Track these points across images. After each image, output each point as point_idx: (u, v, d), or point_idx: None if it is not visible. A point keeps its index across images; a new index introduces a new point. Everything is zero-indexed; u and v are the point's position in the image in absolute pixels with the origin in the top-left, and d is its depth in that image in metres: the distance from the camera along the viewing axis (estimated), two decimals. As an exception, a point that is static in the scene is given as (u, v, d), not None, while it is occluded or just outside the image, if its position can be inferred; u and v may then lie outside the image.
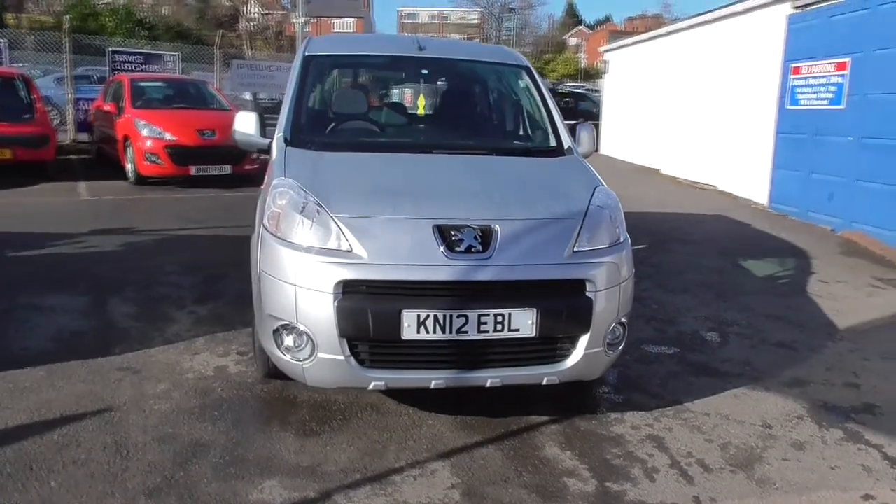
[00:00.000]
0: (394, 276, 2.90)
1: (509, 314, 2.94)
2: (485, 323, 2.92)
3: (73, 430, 3.09)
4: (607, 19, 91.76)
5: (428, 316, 2.88)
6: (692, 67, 12.67)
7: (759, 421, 3.46)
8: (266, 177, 3.73)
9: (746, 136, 10.62)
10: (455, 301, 2.91)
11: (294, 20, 13.94)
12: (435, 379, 2.99)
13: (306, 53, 4.34)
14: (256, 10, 47.67)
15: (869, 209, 8.01)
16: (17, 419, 3.17)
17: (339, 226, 3.00)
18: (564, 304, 3.03)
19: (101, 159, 11.80)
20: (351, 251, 2.94)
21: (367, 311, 2.87)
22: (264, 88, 14.74)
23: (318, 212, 3.06)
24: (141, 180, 9.91)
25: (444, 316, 2.89)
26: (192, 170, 9.82)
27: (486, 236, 3.01)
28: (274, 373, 3.48)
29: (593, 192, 3.45)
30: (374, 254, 2.92)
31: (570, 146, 4.05)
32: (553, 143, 4.10)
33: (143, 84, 11.50)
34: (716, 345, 4.51)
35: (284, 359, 3.06)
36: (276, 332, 3.04)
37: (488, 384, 3.05)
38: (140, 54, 14.26)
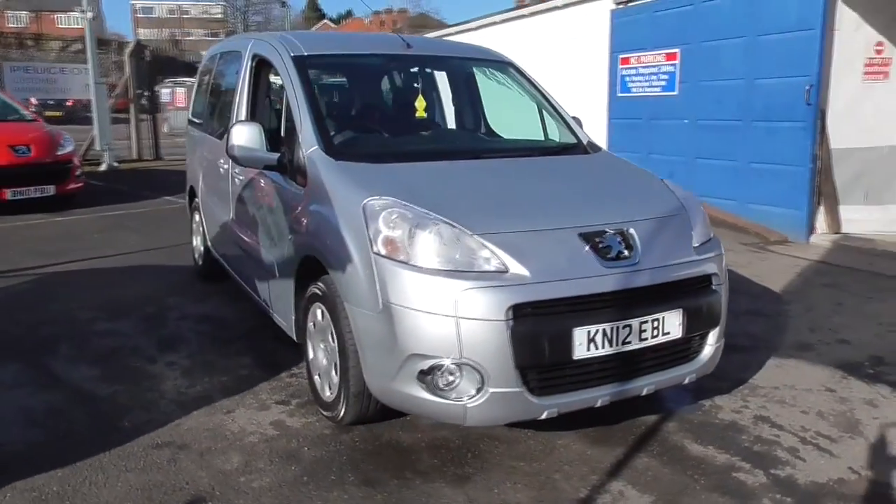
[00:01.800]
0: (562, 293, 2.68)
1: (662, 318, 2.87)
2: (644, 330, 2.82)
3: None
4: (349, 13, 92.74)
5: (597, 331, 2.71)
6: (528, 57, 13.19)
7: (820, 386, 3.74)
8: (305, 199, 3.26)
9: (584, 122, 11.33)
10: (618, 311, 2.77)
11: (81, 13, 12.12)
12: (601, 396, 2.83)
13: (293, 54, 3.81)
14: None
15: (709, 183, 9.00)
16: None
17: (485, 245, 2.70)
18: (703, 301, 3.02)
19: None
20: (508, 271, 2.66)
21: (543, 335, 2.63)
22: (47, 93, 12.70)
23: (454, 231, 2.72)
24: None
25: (612, 328, 2.74)
26: (8, 193, 8.20)
27: (625, 240, 2.90)
28: (365, 418, 3.09)
29: (666, 184, 3.49)
30: (537, 272, 2.67)
31: (589, 141, 4.04)
32: (573, 139, 4.06)
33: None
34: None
35: (435, 401, 2.69)
36: (425, 372, 2.65)
37: (644, 392, 2.96)
38: None
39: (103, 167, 12.67)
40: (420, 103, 4.10)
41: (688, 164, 9.33)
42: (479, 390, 2.63)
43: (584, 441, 3.11)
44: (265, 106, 4.37)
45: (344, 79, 4.34)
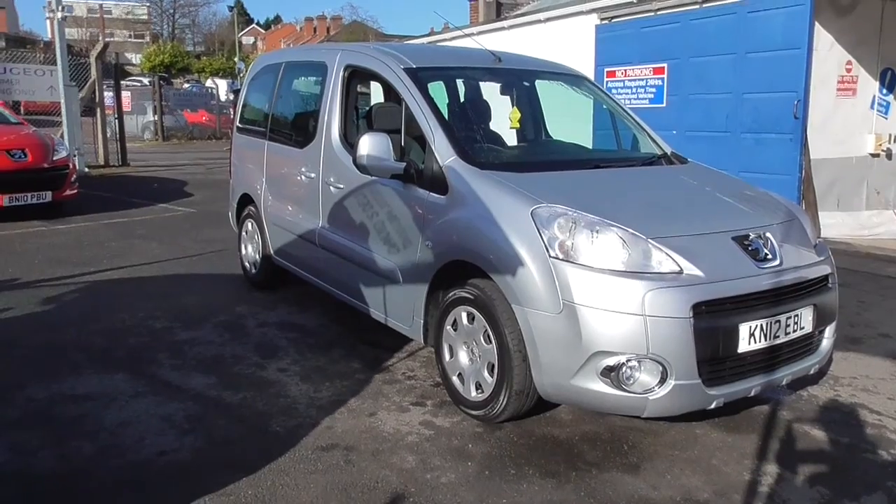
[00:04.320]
0: (732, 291, 2.94)
1: (801, 313, 3.16)
2: (788, 325, 3.11)
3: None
4: (278, 19, 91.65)
5: (756, 326, 2.98)
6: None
7: (890, 375, 4.13)
8: (448, 206, 3.41)
9: (571, 132, 11.73)
10: (771, 308, 3.04)
11: (49, 15, 11.68)
12: (754, 386, 3.09)
13: (404, 66, 3.95)
14: None
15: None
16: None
17: (659, 248, 2.93)
18: (825, 298, 3.34)
19: None
20: (683, 272, 2.90)
21: (719, 330, 2.88)
22: (8, 94, 12.11)
23: (631, 235, 2.94)
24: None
25: (767, 324, 3.01)
26: (4, 200, 7.89)
27: (765, 243, 3.18)
28: (518, 415, 3.28)
29: (768, 193, 3.81)
30: (709, 272, 2.92)
31: (672, 151, 4.34)
32: (660, 150, 4.34)
33: None
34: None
35: (617, 395, 2.89)
36: (611, 368, 2.86)
37: (784, 382, 3.25)
38: None
39: (73, 174, 12.22)
40: (515, 115, 4.30)
41: (675, 172, 9.84)
42: (661, 383, 2.85)
43: (719, 430, 3.37)
44: (355, 115, 4.49)
45: (447, 90, 4.48)
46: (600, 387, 2.90)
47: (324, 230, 4.47)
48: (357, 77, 4.43)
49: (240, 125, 5.88)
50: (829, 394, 3.83)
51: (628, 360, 2.84)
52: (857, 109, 9.02)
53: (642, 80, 10.32)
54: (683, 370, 2.84)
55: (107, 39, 15.31)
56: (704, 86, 9.35)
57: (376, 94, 7.03)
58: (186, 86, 34.99)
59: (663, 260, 2.91)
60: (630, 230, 2.96)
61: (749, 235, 3.15)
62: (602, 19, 11.01)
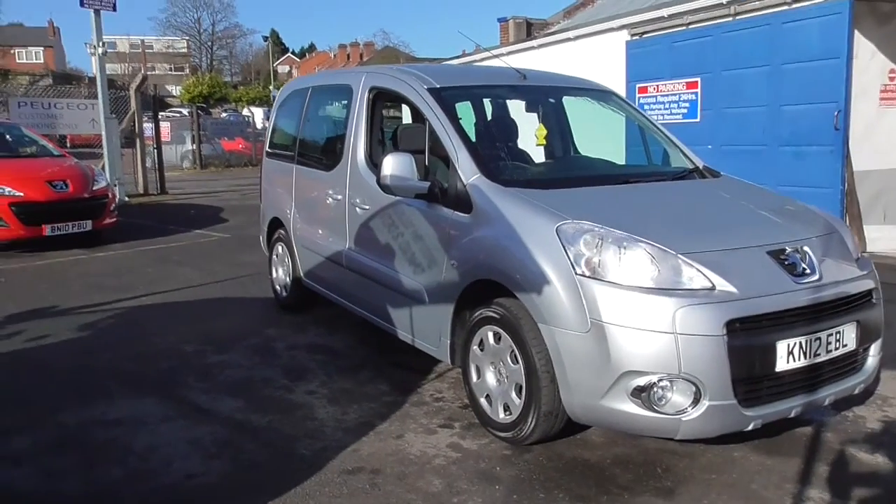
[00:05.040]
0: (768, 308, 2.82)
1: (843, 330, 3.03)
2: (829, 342, 2.98)
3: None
4: (312, 47, 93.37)
5: (795, 344, 2.86)
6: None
7: (942, 393, 3.95)
8: (473, 225, 3.37)
9: (602, 148, 11.64)
10: (810, 325, 2.92)
11: (91, 52, 12.05)
12: (794, 407, 2.96)
13: (428, 87, 3.94)
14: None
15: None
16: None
17: (690, 263, 2.84)
18: (869, 314, 3.20)
19: None
20: (715, 288, 2.80)
21: (754, 348, 2.77)
22: (52, 128, 12.53)
23: (660, 251, 2.86)
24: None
25: (807, 341, 2.89)
26: (47, 229, 8.08)
27: (803, 257, 3.06)
28: (548, 437, 3.20)
29: (806, 206, 3.68)
30: (743, 288, 2.81)
31: (704, 165, 4.23)
32: (691, 163, 4.24)
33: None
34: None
35: (648, 416, 2.79)
36: (641, 388, 2.76)
37: (826, 402, 3.11)
38: None
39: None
40: (541, 132, 4.25)
41: (711, 188, 9.65)
42: (694, 404, 2.75)
43: (758, 452, 3.23)
44: (381, 137, 4.49)
45: (473, 109, 4.46)
46: (631, 408, 2.81)
47: (350, 251, 4.46)
48: (382, 99, 4.43)
49: (269, 150, 5.94)
50: (876, 414, 3.66)
51: (659, 380, 2.74)
52: (903, 119, 8.74)
53: (675, 94, 10.20)
54: (718, 390, 2.73)
55: (147, 72, 15.73)
56: (739, 99, 9.19)
57: (407, 117, 7.07)
58: (224, 115, 35.75)
59: (694, 276, 2.81)
60: (659, 245, 2.87)
61: (785, 249, 3.04)
62: (633, 35, 10.93)
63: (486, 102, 4.43)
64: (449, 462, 3.16)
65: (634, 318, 2.75)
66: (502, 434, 3.31)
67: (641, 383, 2.76)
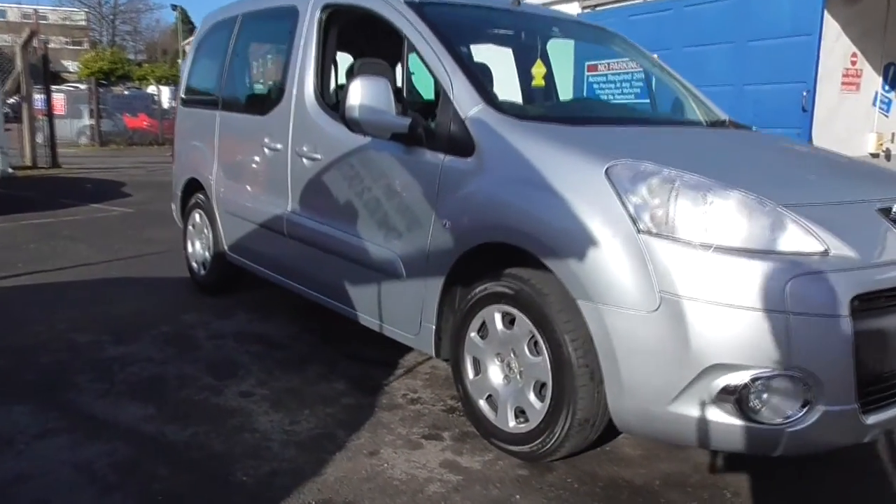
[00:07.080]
0: (896, 278, 2.09)
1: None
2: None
3: None
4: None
5: (925, 327, 2.14)
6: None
7: None
8: (476, 171, 2.53)
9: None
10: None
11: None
12: (910, 412, 2.25)
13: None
14: None
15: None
16: None
17: (796, 220, 2.07)
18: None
19: None
20: (829, 252, 2.05)
21: (886, 335, 2.04)
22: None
23: (759, 202, 2.08)
24: None
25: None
26: None
27: (911, 217, 2.37)
28: (576, 452, 2.42)
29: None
30: (865, 253, 2.08)
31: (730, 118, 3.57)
32: (719, 114, 3.56)
33: None
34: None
35: (737, 425, 2.02)
36: (730, 389, 1.98)
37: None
38: None
39: (-4, 174, 10.94)
40: (539, 69, 3.44)
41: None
42: (806, 408, 1.99)
43: (833, 469, 2.52)
44: (334, 70, 3.57)
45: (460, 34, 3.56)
46: (715, 415, 2.03)
47: (294, 215, 3.51)
48: (338, 20, 3.50)
49: (184, 97, 4.86)
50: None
51: (760, 377, 1.97)
52: (860, 105, 8.44)
53: (628, 73, 9.61)
54: (838, 391, 1.98)
55: (39, 34, 13.75)
56: (701, 78, 8.64)
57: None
58: (126, 92, 33.22)
59: (803, 235, 2.05)
60: (754, 195, 2.10)
61: (892, 208, 2.33)
62: (584, 7, 10.31)
63: (479, 28, 3.54)
64: (449, 489, 2.30)
65: (726, 291, 1.96)
66: (514, 448, 2.48)
67: (733, 381, 1.98)
